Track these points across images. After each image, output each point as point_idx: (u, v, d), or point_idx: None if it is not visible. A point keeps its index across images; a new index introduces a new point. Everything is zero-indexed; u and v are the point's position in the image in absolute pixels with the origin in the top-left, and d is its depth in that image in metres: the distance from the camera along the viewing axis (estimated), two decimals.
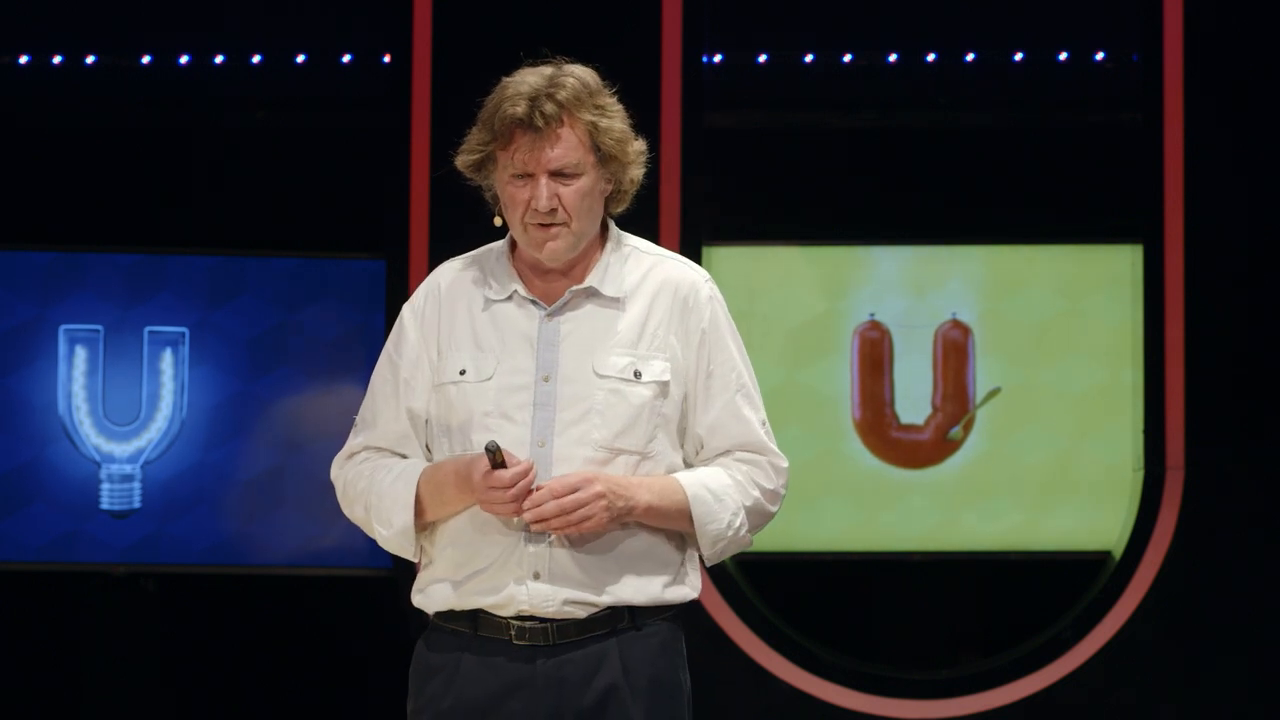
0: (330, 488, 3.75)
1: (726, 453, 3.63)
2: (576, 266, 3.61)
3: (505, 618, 3.54)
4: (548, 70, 3.57)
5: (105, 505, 7.56)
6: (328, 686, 7.85)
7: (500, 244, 3.67)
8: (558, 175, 3.54)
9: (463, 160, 3.59)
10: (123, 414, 7.59)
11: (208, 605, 7.80)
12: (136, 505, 7.57)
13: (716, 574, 7.42)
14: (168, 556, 7.57)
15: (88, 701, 7.78)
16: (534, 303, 3.61)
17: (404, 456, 3.64)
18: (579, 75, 3.57)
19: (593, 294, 3.61)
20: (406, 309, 3.67)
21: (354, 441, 3.68)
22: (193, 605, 7.79)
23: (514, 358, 3.57)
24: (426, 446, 3.65)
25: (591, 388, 3.55)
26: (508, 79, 3.59)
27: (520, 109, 3.51)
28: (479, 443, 3.51)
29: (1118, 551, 7.48)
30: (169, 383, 7.60)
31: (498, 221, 3.63)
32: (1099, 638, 7.39)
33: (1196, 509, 7.38)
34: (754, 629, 7.40)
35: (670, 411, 3.61)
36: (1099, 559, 7.58)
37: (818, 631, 7.56)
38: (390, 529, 3.59)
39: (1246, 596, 7.41)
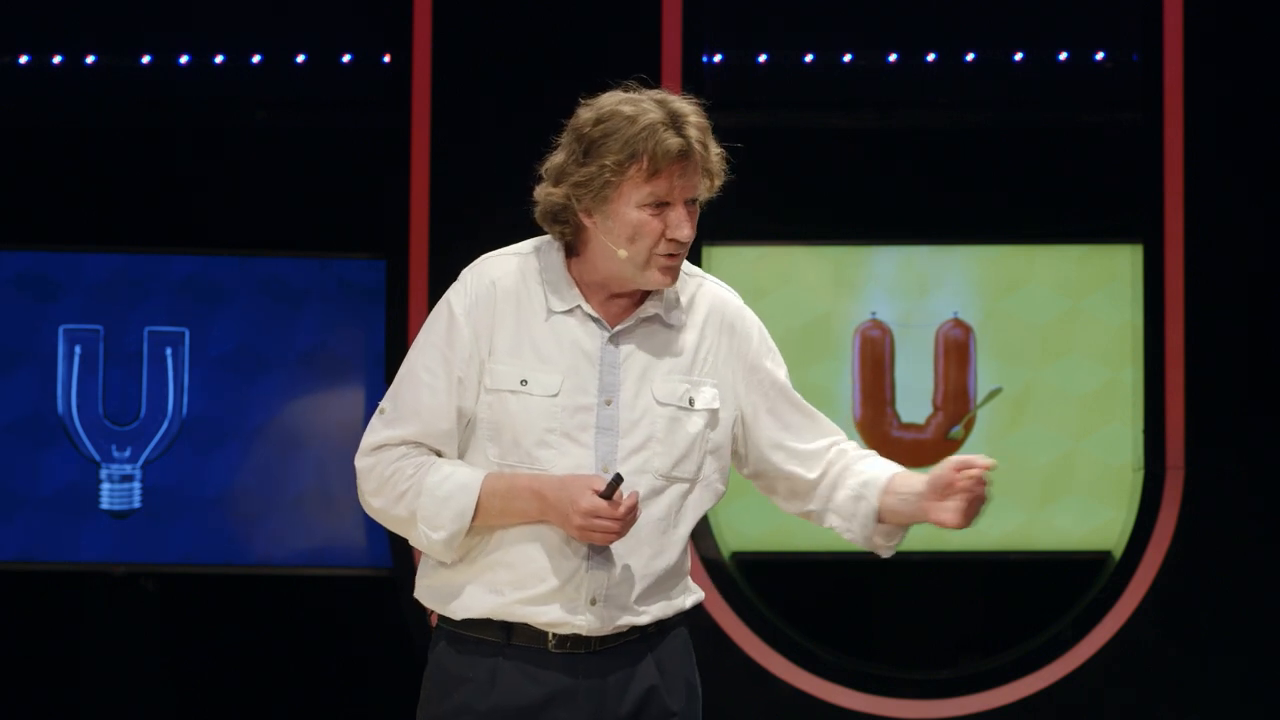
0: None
1: (834, 444, 3.71)
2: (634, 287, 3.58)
3: (545, 629, 3.52)
4: (654, 96, 3.51)
5: (105, 505, 7.56)
6: (328, 686, 7.85)
7: (552, 249, 3.59)
8: (690, 202, 3.52)
9: (579, 191, 3.49)
10: (123, 414, 7.59)
11: (208, 605, 7.80)
12: (136, 505, 7.57)
13: (717, 574, 7.42)
14: (168, 556, 7.56)
15: (87, 701, 7.78)
16: (596, 321, 3.56)
17: (438, 454, 3.55)
18: (687, 100, 3.54)
19: (654, 318, 3.58)
20: (456, 303, 3.56)
21: (389, 433, 3.55)
22: (193, 605, 7.79)
23: (577, 376, 3.53)
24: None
25: (653, 415, 3.54)
26: (618, 107, 3.49)
27: (675, 141, 3.46)
28: (543, 459, 3.49)
29: (1118, 551, 7.48)
30: (169, 383, 7.60)
31: (621, 252, 3.52)
32: (1099, 638, 7.38)
33: (1196, 509, 7.38)
34: (754, 629, 7.40)
35: (720, 438, 3.61)
36: (1099, 559, 7.58)
37: (818, 631, 7.56)
38: (440, 533, 3.50)
39: (1246, 596, 7.40)
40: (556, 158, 3.54)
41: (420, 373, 3.55)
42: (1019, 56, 7.76)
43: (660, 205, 3.49)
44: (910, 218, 7.78)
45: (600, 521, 3.43)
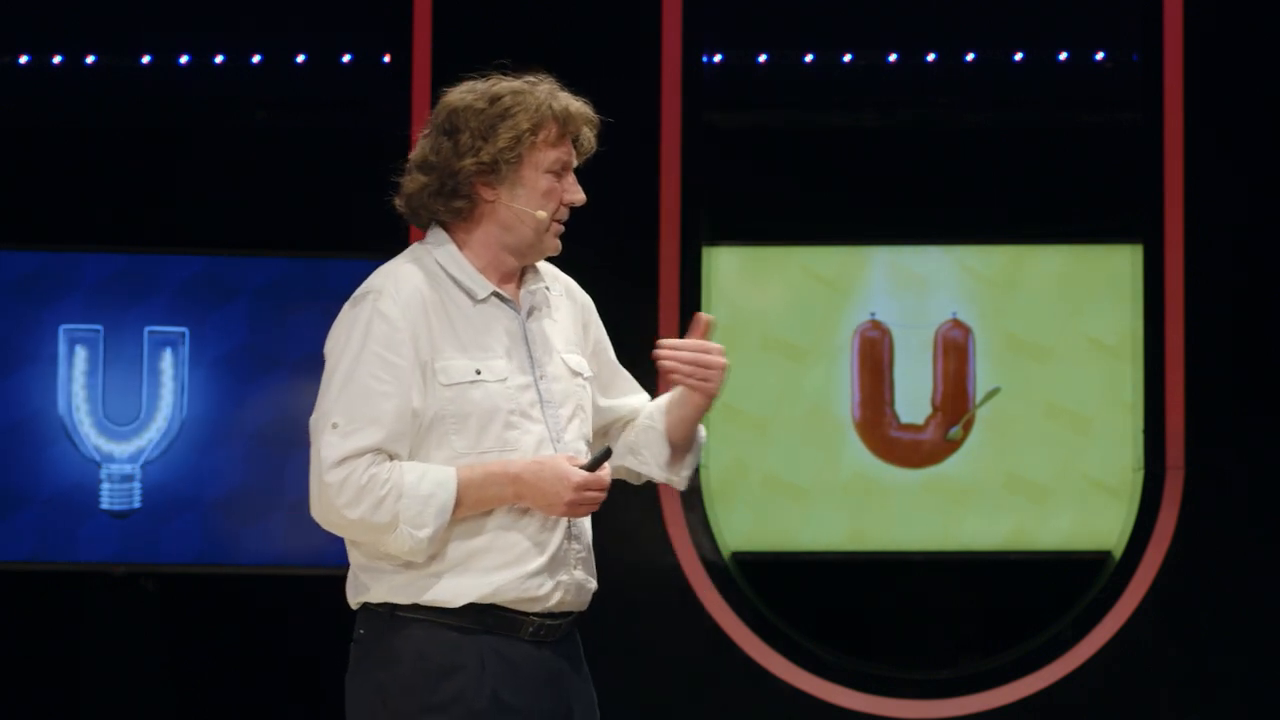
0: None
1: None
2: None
3: (526, 614, 3.61)
4: (519, 76, 3.67)
5: (105, 505, 7.56)
6: (328, 686, 7.84)
7: (439, 246, 3.77)
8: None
9: (501, 157, 3.62)
10: (123, 414, 7.59)
11: (208, 605, 7.80)
12: (136, 505, 7.57)
13: (717, 574, 7.42)
14: (168, 556, 7.56)
15: (87, 701, 7.78)
16: (508, 303, 3.69)
17: (394, 457, 3.60)
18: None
19: (539, 291, 3.74)
20: (388, 309, 3.67)
21: (351, 444, 3.57)
22: (193, 605, 7.79)
23: (515, 357, 3.65)
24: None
25: (573, 384, 3.71)
26: (501, 85, 3.65)
27: (578, 105, 3.64)
28: (511, 440, 3.60)
29: (1118, 551, 7.48)
30: (169, 383, 7.60)
31: (541, 213, 3.64)
32: (1099, 638, 7.39)
33: (1196, 509, 7.38)
34: (754, 629, 7.40)
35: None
36: (1099, 559, 7.58)
37: (818, 631, 7.56)
38: (425, 530, 3.56)
39: (1246, 596, 7.41)
40: (457, 141, 3.65)
41: (369, 381, 3.60)
42: (1019, 56, 7.76)
43: (559, 172, 3.65)
44: (910, 218, 7.78)
45: (590, 494, 3.58)
